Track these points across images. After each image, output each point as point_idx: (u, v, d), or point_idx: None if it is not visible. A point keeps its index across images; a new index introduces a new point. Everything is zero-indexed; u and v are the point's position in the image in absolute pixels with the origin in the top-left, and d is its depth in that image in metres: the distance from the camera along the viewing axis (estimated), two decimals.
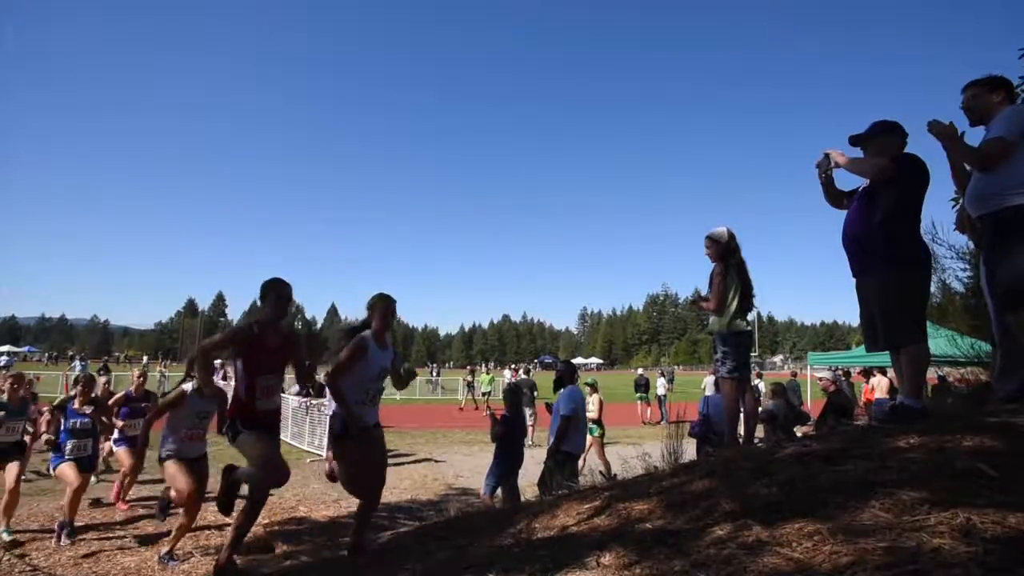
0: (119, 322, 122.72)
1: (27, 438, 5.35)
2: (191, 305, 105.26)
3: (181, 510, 4.47)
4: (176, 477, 4.36)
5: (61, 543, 4.70)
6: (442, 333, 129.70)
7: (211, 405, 4.57)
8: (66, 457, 5.08)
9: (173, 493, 4.47)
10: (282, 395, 3.78)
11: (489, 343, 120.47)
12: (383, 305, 3.60)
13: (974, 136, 2.89)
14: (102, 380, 6.67)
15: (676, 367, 68.19)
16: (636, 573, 1.73)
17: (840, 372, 12.05)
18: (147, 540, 4.93)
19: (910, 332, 2.75)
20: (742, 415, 4.05)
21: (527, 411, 10.42)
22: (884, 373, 10.75)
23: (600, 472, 4.95)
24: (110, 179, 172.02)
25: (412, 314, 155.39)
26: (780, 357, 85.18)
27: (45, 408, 5.67)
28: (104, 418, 5.44)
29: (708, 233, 3.98)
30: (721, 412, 4.34)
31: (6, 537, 4.72)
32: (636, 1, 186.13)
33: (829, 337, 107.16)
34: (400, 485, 7.58)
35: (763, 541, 1.67)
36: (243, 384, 3.31)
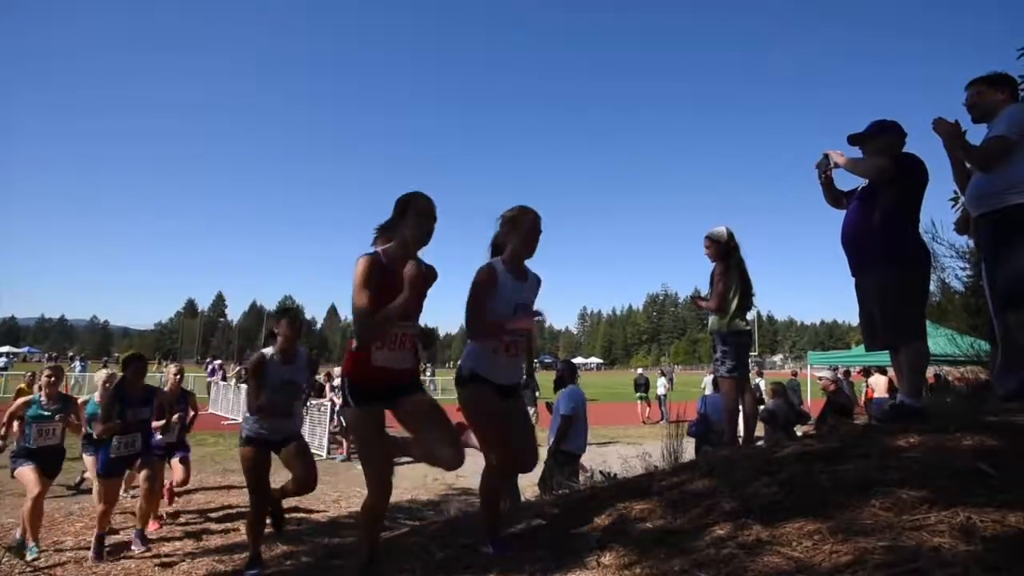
0: (119, 322, 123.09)
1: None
2: (191, 305, 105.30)
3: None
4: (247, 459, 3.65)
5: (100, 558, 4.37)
6: (442, 333, 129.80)
7: (299, 374, 3.84)
8: (112, 456, 4.50)
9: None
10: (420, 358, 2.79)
11: None
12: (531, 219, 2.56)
13: (976, 134, 2.88)
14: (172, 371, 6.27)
15: (676, 367, 68.21)
16: (636, 573, 1.73)
17: (841, 372, 12.06)
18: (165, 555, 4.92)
19: (909, 331, 2.75)
20: (741, 414, 4.05)
21: (529, 410, 10.38)
22: (884, 372, 10.75)
23: (600, 472, 4.94)
24: (110, 179, 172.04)
25: None
26: (780, 356, 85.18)
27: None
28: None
29: (708, 233, 3.99)
30: (719, 411, 4.34)
31: (28, 556, 4.27)
32: (636, 1, 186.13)
33: (829, 336, 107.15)
34: (400, 485, 7.56)
35: (763, 540, 1.67)
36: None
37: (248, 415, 3.74)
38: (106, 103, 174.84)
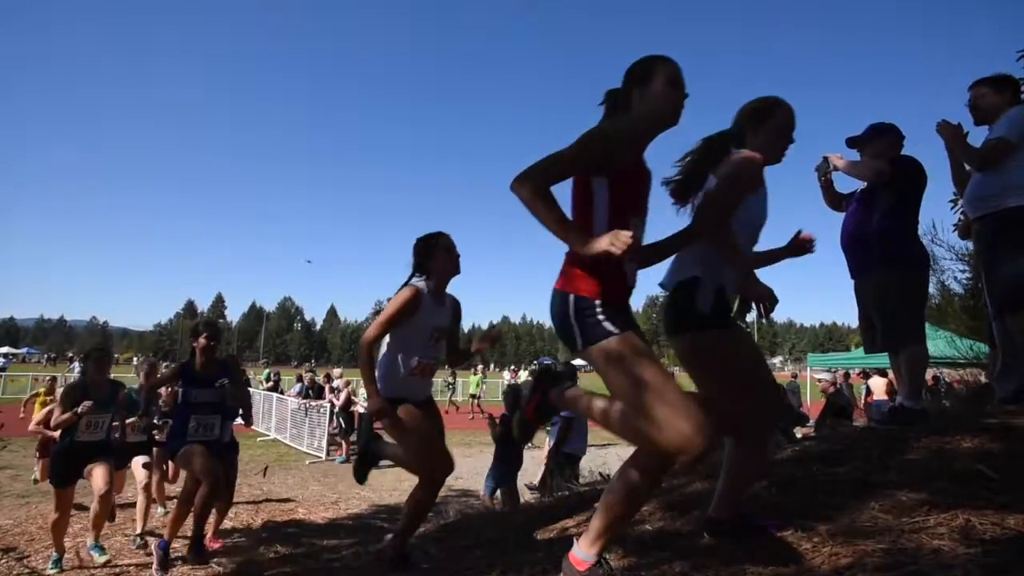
0: (118, 323, 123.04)
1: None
2: (190, 306, 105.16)
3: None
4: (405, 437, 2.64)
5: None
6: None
7: (446, 319, 2.84)
8: (188, 439, 3.87)
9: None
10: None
11: None
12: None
13: (977, 135, 2.89)
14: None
15: (676, 368, 68.02)
16: (636, 573, 1.73)
17: (841, 374, 12.06)
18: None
19: (908, 333, 2.74)
20: None
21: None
22: (883, 375, 10.74)
23: (600, 473, 4.94)
24: (110, 179, 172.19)
25: None
26: (779, 358, 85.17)
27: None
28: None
29: None
30: None
31: (98, 558, 4.11)
32: (636, 1, 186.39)
33: (828, 338, 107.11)
34: (400, 486, 7.55)
35: (763, 542, 1.67)
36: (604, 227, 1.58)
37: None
38: (106, 103, 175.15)
